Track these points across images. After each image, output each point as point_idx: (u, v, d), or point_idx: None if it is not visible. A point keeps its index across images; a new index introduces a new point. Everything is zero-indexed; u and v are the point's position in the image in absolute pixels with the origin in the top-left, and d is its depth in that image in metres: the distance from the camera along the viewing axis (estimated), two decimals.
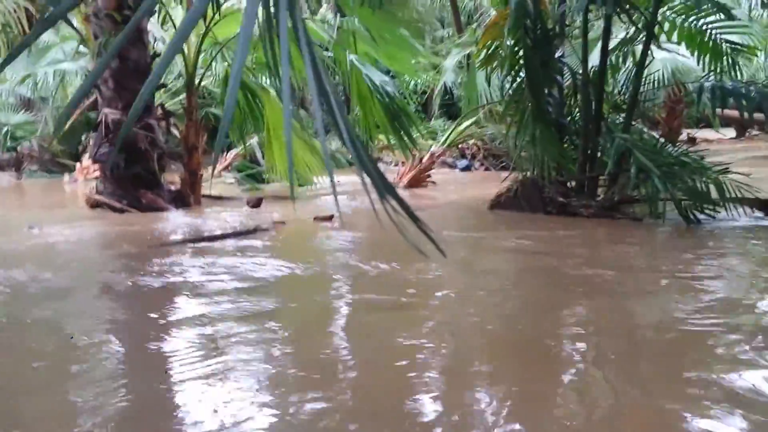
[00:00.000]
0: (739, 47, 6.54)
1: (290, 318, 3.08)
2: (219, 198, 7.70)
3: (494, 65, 6.71)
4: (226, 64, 8.23)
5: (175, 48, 1.85)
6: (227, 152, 10.93)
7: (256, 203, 6.88)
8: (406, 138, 7.53)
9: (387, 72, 9.12)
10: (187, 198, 7.02)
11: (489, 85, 7.48)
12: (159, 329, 2.87)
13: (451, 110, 15.34)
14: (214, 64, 8.38)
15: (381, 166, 12.35)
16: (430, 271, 3.79)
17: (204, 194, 7.45)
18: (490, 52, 6.54)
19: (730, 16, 6.32)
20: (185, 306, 3.29)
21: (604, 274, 3.87)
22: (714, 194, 5.33)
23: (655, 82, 9.91)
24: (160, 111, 7.48)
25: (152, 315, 3.07)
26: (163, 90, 10.41)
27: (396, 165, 10.82)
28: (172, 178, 7.49)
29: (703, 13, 6.26)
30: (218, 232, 5.32)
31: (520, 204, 6.21)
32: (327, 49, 7.64)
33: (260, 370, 2.34)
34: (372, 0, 6.01)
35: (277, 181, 8.86)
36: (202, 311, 3.07)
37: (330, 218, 5.74)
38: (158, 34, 9.67)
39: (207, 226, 5.73)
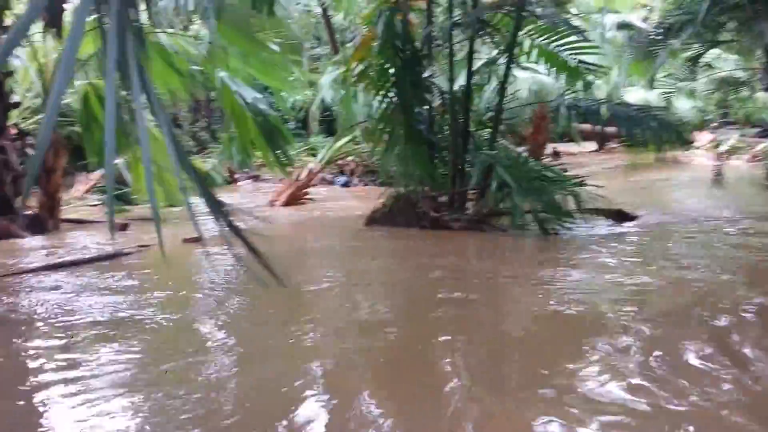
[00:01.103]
0: (592, 67, 7.01)
1: (152, 341, 2.93)
2: (81, 222, 7.25)
3: (366, 84, 6.79)
4: (86, 81, 7.79)
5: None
6: (91, 173, 10.30)
7: (121, 227, 6.53)
8: (281, 155, 7.45)
9: (265, 89, 8.95)
10: (45, 223, 6.55)
11: (357, 102, 7.53)
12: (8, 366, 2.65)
13: (331, 127, 15.38)
14: (75, 81, 7.90)
15: (259, 184, 12.15)
16: (302, 290, 3.75)
17: (65, 218, 6.99)
18: (361, 70, 6.61)
19: (583, 38, 6.77)
20: (37, 340, 3.06)
21: (466, 284, 3.98)
22: (573, 204, 5.65)
23: (519, 100, 10.41)
24: (14, 131, 6.95)
25: None
26: (18, 109, 9.70)
27: (277, 183, 10.67)
28: (30, 201, 6.97)
29: (558, 36, 6.64)
30: (77, 258, 5.01)
31: (396, 219, 6.29)
32: (197, 65, 7.40)
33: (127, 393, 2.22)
34: (207, 13, 5.73)
35: (145, 203, 8.47)
36: (55, 343, 2.90)
37: (198, 240, 5.54)
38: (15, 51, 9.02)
39: (65, 253, 5.37)
